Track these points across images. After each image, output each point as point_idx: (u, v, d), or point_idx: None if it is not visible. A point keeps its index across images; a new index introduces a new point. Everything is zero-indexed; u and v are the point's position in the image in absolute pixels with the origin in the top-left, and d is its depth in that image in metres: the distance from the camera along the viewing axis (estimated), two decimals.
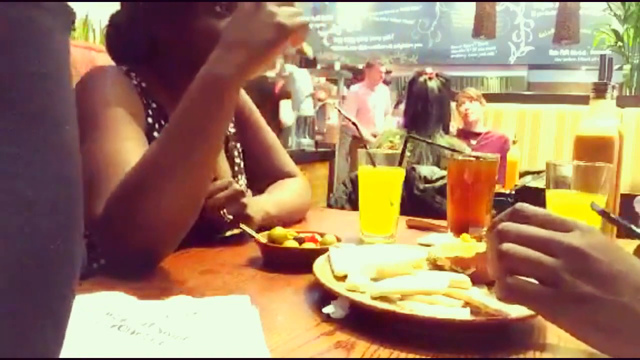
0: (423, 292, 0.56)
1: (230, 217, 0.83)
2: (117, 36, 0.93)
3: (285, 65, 3.99)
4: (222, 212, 0.82)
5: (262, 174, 1.08)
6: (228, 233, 0.88)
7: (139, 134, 0.81)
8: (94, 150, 0.74)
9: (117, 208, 0.67)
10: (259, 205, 0.90)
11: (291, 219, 1.01)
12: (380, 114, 5.27)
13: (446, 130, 2.26)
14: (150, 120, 0.86)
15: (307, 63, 5.94)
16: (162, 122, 0.88)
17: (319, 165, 3.89)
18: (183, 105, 0.67)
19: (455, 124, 3.18)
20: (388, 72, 6.59)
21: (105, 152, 0.75)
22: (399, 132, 2.37)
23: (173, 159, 0.67)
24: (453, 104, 3.17)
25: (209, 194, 0.79)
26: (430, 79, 2.24)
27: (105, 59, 0.99)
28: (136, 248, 0.66)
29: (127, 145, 0.76)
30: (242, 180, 1.06)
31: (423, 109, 2.19)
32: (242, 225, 0.82)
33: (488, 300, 0.56)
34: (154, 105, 0.88)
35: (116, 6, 0.94)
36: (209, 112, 0.67)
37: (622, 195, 0.90)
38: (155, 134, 0.86)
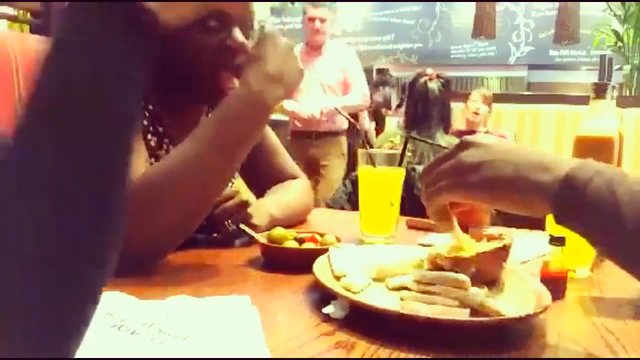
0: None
1: (234, 227, 0.84)
2: None
3: None
4: (227, 222, 0.83)
5: (265, 176, 1.08)
6: (237, 243, 0.88)
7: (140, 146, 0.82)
8: None
9: (137, 202, 0.66)
10: (264, 208, 0.91)
11: (295, 221, 1.02)
12: (317, 90, 3.30)
13: (447, 131, 2.26)
14: (145, 122, 0.86)
15: None
16: (157, 126, 0.87)
17: None
18: (221, 116, 0.71)
19: (455, 125, 3.18)
20: (388, 72, 6.59)
21: None
22: (399, 132, 2.37)
23: (204, 165, 0.70)
24: (459, 104, 3.17)
25: (215, 203, 0.81)
26: (430, 80, 2.24)
27: None
28: (141, 247, 0.66)
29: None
30: (237, 180, 1.06)
31: (424, 110, 2.19)
32: (242, 226, 0.82)
33: (487, 300, 0.56)
34: (150, 107, 0.87)
35: None
36: (248, 130, 0.72)
37: None
38: (149, 136, 0.85)
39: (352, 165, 4.18)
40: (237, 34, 0.81)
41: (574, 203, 0.49)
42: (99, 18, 0.34)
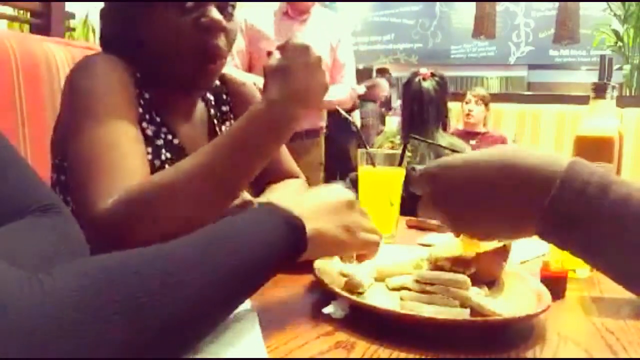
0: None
1: None
2: (105, 29, 0.93)
3: None
4: None
5: (264, 174, 1.08)
6: None
7: (135, 125, 0.79)
8: (92, 139, 0.72)
9: (141, 205, 0.65)
10: None
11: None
12: None
13: (444, 129, 2.26)
14: (140, 110, 0.84)
15: None
16: (153, 114, 0.86)
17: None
18: (246, 126, 0.69)
19: (454, 124, 3.17)
20: (388, 72, 6.59)
21: (104, 142, 0.72)
22: (399, 132, 2.37)
23: (225, 173, 0.68)
24: (457, 103, 3.17)
25: None
26: (425, 79, 2.23)
27: None
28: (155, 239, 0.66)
29: (125, 136, 0.75)
30: None
31: (419, 110, 2.19)
32: None
33: (486, 300, 0.56)
34: (146, 95, 0.86)
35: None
36: (265, 147, 0.71)
37: None
38: (145, 124, 0.84)
39: (349, 165, 4.19)
40: (213, 12, 0.80)
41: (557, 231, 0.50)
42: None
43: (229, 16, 0.83)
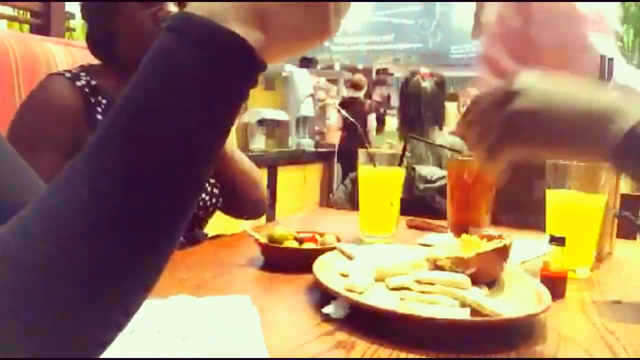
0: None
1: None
2: (88, 30, 0.99)
3: (285, 65, 4.00)
4: None
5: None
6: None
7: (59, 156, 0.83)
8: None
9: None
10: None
11: (246, 180, 1.01)
12: None
13: (440, 129, 2.25)
14: (99, 117, 0.88)
15: (307, 63, 5.94)
16: None
17: (319, 165, 3.89)
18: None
19: (453, 124, 3.17)
20: (388, 72, 6.59)
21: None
22: (398, 132, 2.37)
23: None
24: (454, 104, 3.16)
25: None
26: (423, 79, 2.23)
27: None
28: None
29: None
30: None
31: (416, 110, 2.18)
32: (246, 228, 0.82)
33: (486, 300, 0.56)
34: (104, 101, 0.90)
35: None
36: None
37: (622, 195, 0.90)
38: None
39: (348, 165, 4.20)
40: (170, 6, 0.87)
41: (635, 160, 0.49)
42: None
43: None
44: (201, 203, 0.95)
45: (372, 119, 5.20)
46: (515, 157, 0.56)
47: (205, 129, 0.33)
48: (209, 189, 0.97)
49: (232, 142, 0.94)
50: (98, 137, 0.32)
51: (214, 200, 0.99)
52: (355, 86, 5.57)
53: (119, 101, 0.33)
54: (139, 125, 0.32)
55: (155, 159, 0.31)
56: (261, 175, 1.08)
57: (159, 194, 0.32)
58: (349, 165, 4.19)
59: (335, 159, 4.24)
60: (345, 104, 5.03)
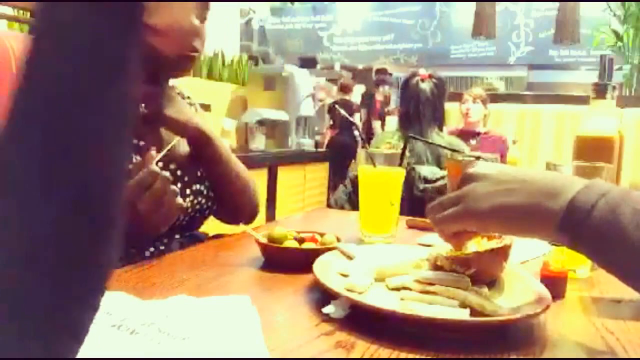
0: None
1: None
2: None
3: (285, 65, 4.01)
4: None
5: None
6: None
7: None
8: None
9: None
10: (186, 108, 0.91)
11: (238, 185, 0.99)
12: None
13: (440, 130, 2.26)
14: None
15: (307, 63, 5.95)
16: None
17: (319, 165, 3.89)
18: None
19: (454, 124, 3.17)
20: (387, 72, 6.59)
21: None
22: (397, 132, 2.37)
23: None
24: (455, 104, 3.16)
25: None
26: (423, 80, 2.23)
27: None
28: None
29: None
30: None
31: (415, 110, 2.19)
32: (246, 228, 0.82)
33: (486, 300, 0.56)
34: None
35: None
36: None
37: None
38: None
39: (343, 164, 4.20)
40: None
41: (577, 231, 0.50)
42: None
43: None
44: (197, 206, 0.94)
45: (356, 119, 5.58)
46: (464, 227, 0.59)
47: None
48: (205, 191, 0.96)
49: (210, 129, 0.91)
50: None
51: (209, 204, 0.97)
52: (345, 89, 5.80)
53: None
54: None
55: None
56: (254, 181, 1.06)
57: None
58: (339, 164, 4.21)
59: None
60: (339, 105, 5.10)
